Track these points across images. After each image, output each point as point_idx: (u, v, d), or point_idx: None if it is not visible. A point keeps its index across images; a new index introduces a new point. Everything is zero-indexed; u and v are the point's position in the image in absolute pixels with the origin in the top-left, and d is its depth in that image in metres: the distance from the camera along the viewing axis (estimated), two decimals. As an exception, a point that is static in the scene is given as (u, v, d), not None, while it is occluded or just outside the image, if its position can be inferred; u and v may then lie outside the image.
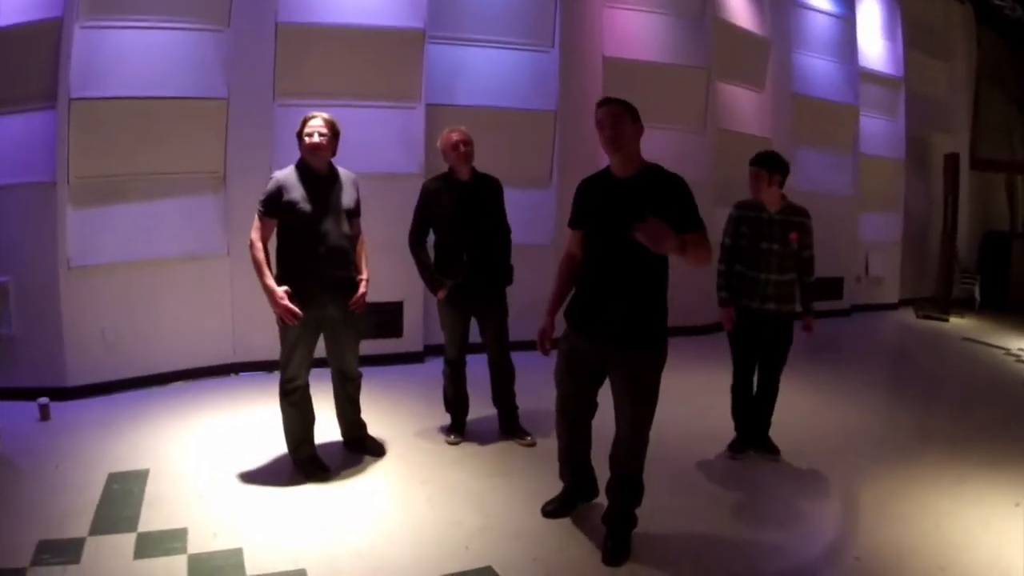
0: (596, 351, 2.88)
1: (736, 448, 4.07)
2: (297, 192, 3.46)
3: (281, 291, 3.41)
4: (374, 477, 3.71)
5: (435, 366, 4.34)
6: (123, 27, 4.71)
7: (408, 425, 4.39)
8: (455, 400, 4.19)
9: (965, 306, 9.13)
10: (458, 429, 4.20)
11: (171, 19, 4.88)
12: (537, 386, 3.97)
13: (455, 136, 3.91)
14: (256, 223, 3.50)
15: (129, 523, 3.16)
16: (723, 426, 4.20)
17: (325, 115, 3.55)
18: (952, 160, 8.80)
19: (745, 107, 7.46)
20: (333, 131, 3.55)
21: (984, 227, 10.10)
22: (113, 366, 4.88)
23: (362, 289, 3.67)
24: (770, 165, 3.82)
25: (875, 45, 8.85)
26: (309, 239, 3.47)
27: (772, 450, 4.05)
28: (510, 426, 4.20)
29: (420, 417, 4.49)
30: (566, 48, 6.22)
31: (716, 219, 7.20)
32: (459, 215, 3.88)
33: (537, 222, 6.16)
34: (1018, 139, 9.81)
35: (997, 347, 7.23)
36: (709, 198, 6.67)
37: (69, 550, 2.94)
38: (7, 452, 3.96)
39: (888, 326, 8.42)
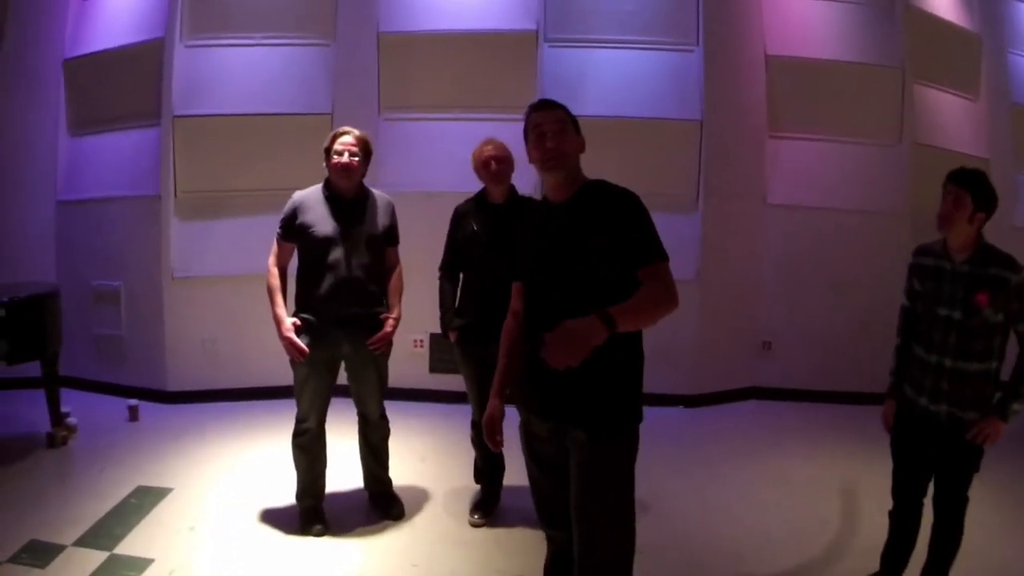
0: (551, 433, 2.07)
1: None
2: (312, 214, 3.12)
3: (289, 323, 3.09)
4: (367, 545, 3.17)
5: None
6: (227, 45, 4.86)
7: (452, 486, 3.78)
8: (485, 471, 3.49)
9: None
10: (486, 507, 3.44)
11: (275, 36, 4.93)
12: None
13: (487, 151, 3.24)
14: (273, 246, 3.22)
15: (112, 542, 3.10)
16: (849, 550, 3.05)
17: (357, 132, 3.16)
18: None
19: (954, 118, 5.85)
20: (365, 150, 3.15)
21: None
22: (212, 376, 5.00)
23: (386, 328, 3.20)
24: (981, 190, 2.43)
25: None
26: (320, 268, 3.10)
27: None
28: None
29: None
30: (712, 46, 5.31)
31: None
32: (485, 244, 3.23)
33: (679, 253, 5.16)
34: None
35: None
36: (904, 233, 5.11)
37: (45, 555, 2.98)
38: (77, 447, 4.17)
39: None
